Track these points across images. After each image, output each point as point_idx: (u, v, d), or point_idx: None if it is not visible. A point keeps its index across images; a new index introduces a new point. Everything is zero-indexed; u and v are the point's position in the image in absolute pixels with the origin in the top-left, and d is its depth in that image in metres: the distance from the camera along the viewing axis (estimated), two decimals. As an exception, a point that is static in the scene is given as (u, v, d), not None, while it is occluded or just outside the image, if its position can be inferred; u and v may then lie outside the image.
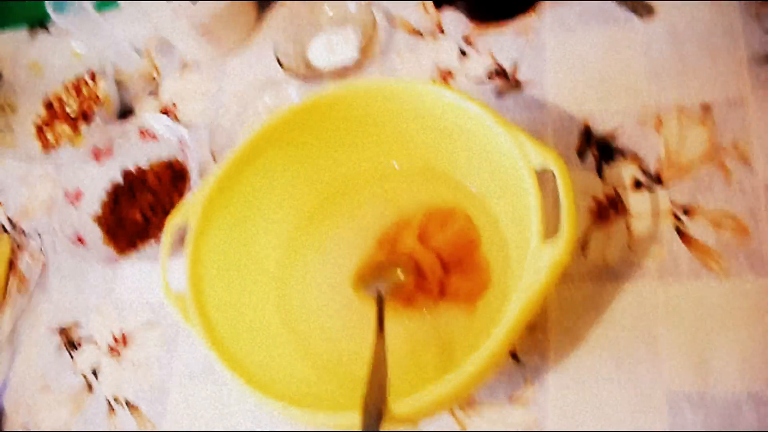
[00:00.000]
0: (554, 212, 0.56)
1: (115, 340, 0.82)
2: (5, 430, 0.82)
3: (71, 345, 0.84)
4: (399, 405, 0.50)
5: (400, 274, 0.66)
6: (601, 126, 0.72)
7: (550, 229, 0.52)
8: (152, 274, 0.84)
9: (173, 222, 0.64)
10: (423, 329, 0.66)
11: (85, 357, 0.83)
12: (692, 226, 0.65)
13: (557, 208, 0.52)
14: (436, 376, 0.50)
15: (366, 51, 0.84)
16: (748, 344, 0.60)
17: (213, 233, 0.65)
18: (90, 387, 0.81)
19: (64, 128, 0.94)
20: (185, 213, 0.64)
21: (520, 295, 0.50)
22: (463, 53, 0.82)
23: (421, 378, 0.61)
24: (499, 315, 0.50)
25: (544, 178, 0.55)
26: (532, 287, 0.50)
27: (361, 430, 0.50)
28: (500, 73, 0.79)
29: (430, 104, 0.62)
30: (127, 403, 0.78)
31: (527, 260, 0.50)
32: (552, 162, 0.53)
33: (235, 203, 0.67)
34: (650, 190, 0.67)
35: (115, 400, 0.78)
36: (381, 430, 0.49)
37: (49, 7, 0.91)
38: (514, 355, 0.65)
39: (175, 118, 0.92)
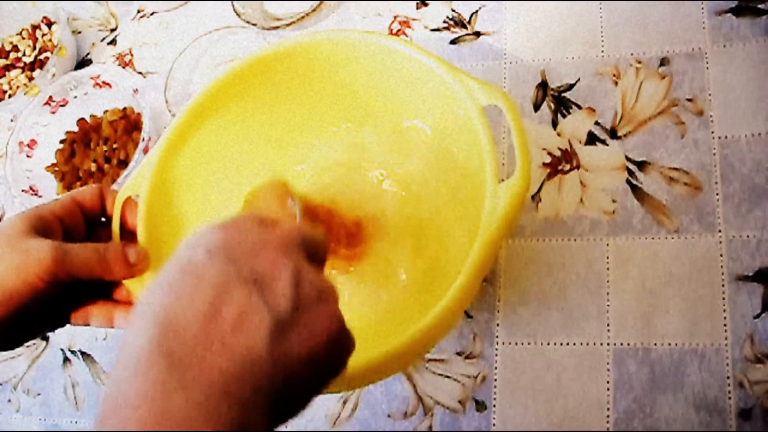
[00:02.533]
0: (509, 157, 0.54)
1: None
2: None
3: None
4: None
5: None
6: (558, 78, 0.71)
7: (506, 170, 0.50)
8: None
9: (123, 196, 0.61)
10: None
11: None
12: (645, 181, 0.64)
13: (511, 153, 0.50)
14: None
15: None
16: (694, 300, 0.60)
17: (165, 198, 0.62)
18: (46, 338, 0.80)
19: (19, 77, 0.91)
20: (136, 184, 0.61)
21: (483, 232, 0.49)
22: (423, 2, 0.80)
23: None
24: (464, 258, 0.49)
25: (498, 131, 0.54)
26: (494, 221, 0.49)
27: None
28: (458, 22, 0.77)
29: (375, 55, 0.60)
30: (82, 353, 0.77)
31: (486, 199, 0.49)
32: (499, 99, 0.51)
33: (189, 165, 0.64)
34: (605, 143, 0.67)
35: (70, 350, 0.78)
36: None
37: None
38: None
39: (132, 66, 0.90)
